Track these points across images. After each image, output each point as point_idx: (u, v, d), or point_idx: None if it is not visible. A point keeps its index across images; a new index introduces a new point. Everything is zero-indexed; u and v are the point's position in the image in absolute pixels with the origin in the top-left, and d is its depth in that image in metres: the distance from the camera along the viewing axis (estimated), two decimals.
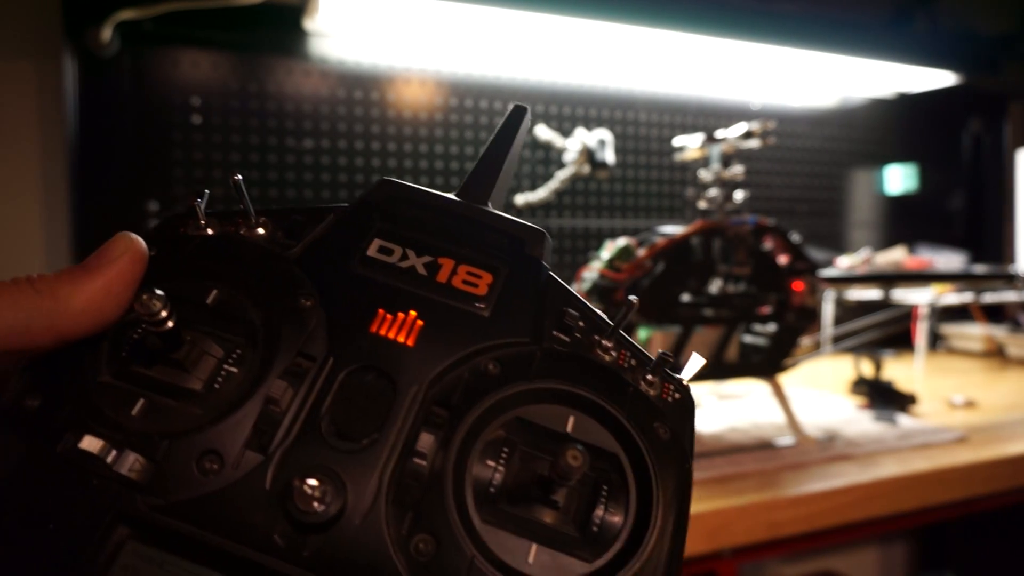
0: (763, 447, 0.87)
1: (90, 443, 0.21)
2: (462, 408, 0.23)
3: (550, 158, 1.34)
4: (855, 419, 1.02)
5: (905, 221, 1.77)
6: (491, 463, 0.23)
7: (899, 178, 1.76)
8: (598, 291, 0.83)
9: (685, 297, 0.85)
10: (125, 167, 1.07)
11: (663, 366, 0.26)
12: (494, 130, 0.31)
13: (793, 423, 0.89)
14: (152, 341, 0.23)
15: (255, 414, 0.22)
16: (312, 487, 0.21)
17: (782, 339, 0.91)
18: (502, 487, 0.23)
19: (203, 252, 0.26)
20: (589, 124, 1.36)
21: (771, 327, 0.91)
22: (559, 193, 1.34)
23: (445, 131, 1.26)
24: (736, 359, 0.91)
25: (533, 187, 1.33)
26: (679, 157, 0.98)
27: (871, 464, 0.84)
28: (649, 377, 0.26)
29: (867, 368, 1.16)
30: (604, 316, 0.27)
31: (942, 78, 1.48)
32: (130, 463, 0.21)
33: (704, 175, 0.90)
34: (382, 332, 0.24)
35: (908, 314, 1.27)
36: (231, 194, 0.26)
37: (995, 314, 1.68)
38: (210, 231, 0.26)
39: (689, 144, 0.95)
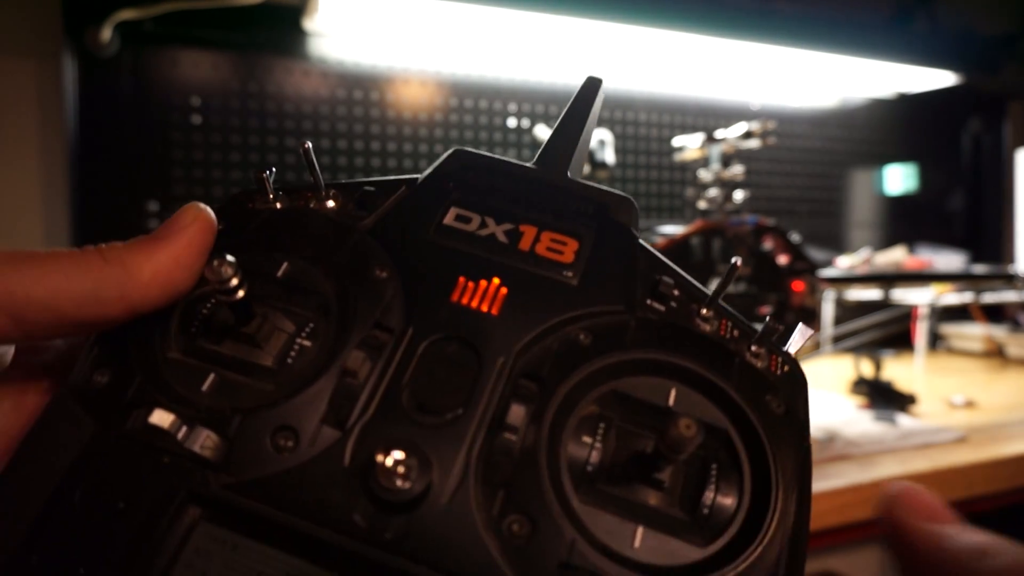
0: None
1: (160, 418, 0.20)
2: (553, 380, 0.22)
3: None
4: (855, 419, 1.02)
5: (905, 221, 1.77)
6: (587, 439, 0.22)
7: (899, 178, 1.76)
8: None
9: None
10: (125, 167, 1.07)
11: (770, 336, 0.24)
12: (567, 103, 0.30)
13: None
14: (223, 314, 0.22)
15: (331, 388, 0.21)
16: (396, 462, 0.19)
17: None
18: (600, 465, 0.21)
19: (273, 225, 0.25)
20: None
21: None
22: None
23: (445, 131, 1.26)
24: None
25: None
26: (679, 157, 0.98)
27: (871, 464, 0.84)
28: (755, 348, 0.24)
29: (867, 368, 1.16)
30: (701, 287, 0.25)
31: (942, 78, 1.48)
32: (202, 440, 0.20)
33: (704, 175, 0.90)
34: (464, 301, 0.23)
35: (908, 314, 1.27)
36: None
37: (995, 314, 1.68)
38: (279, 205, 0.26)
39: (689, 144, 0.95)
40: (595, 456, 0.21)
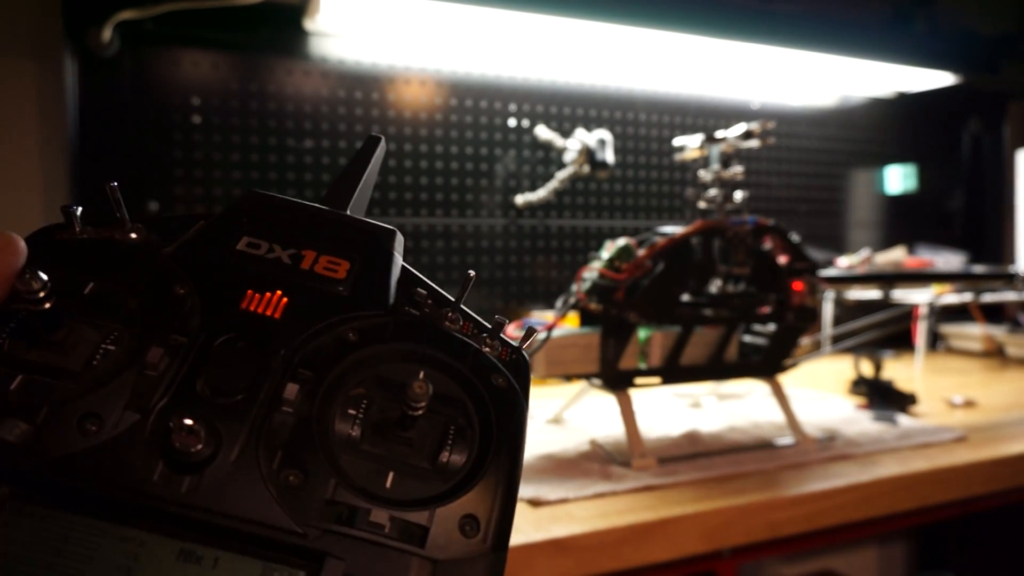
0: (763, 447, 0.87)
1: None
2: (325, 367, 0.27)
3: (550, 158, 1.34)
4: (855, 419, 1.02)
5: (905, 221, 1.77)
6: (352, 411, 0.26)
7: (899, 178, 1.76)
8: (598, 291, 0.83)
9: (685, 297, 0.85)
10: (125, 167, 1.07)
11: (499, 331, 0.30)
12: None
13: (793, 423, 0.89)
14: (31, 323, 0.25)
15: (133, 379, 0.25)
16: (187, 426, 0.23)
17: (782, 339, 0.91)
18: (363, 431, 0.26)
19: (80, 252, 0.28)
20: (589, 124, 1.36)
21: (771, 327, 0.91)
22: (559, 193, 1.34)
23: (445, 131, 1.26)
24: (736, 359, 0.91)
25: (533, 187, 1.33)
26: (679, 157, 0.98)
27: (871, 464, 0.84)
28: (489, 341, 0.29)
29: (867, 368, 1.16)
30: (447, 295, 0.30)
31: (941, 78, 1.48)
32: (8, 428, 0.23)
33: (704, 175, 0.91)
34: (251, 308, 0.27)
35: (908, 314, 1.27)
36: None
37: (995, 314, 1.68)
38: (84, 236, 0.29)
39: (689, 144, 0.95)
40: (358, 425, 0.26)
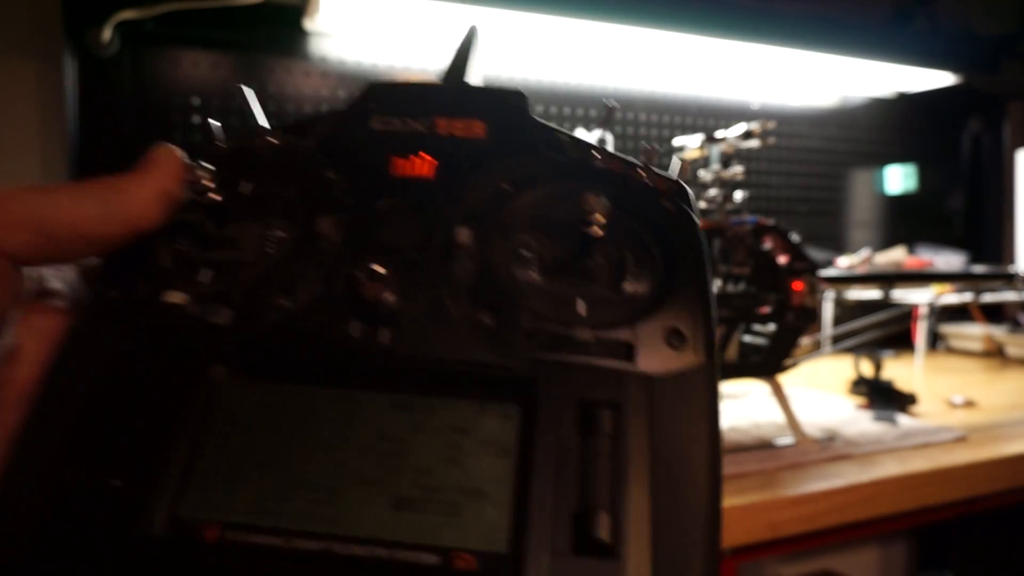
0: (763, 447, 0.87)
1: (175, 296, 0.25)
2: (489, 216, 0.27)
3: None
4: (855, 419, 1.02)
5: (905, 221, 1.77)
6: (526, 253, 0.27)
7: (899, 178, 1.76)
8: None
9: None
10: (125, 167, 1.06)
11: (651, 161, 0.29)
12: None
13: (793, 423, 0.89)
14: (204, 225, 0.27)
15: (310, 253, 0.26)
16: (374, 272, 0.24)
17: (782, 339, 0.91)
18: (540, 270, 0.26)
19: (231, 158, 0.29)
20: (589, 124, 1.36)
21: (771, 327, 0.91)
22: None
23: None
24: (736, 359, 0.91)
25: None
26: (679, 157, 0.98)
27: (871, 464, 0.84)
28: (643, 172, 0.29)
29: (867, 368, 1.16)
30: (588, 140, 0.30)
31: (942, 78, 1.48)
32: (212, 312, 0.25)
33: (704, 175, 0.90)
34: (403, 172, 0.28)
35: (908, 314, 1.27)
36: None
37: (995, 314, 1.68)
38: (227, 146, 0.30)
39: (689, 144, 0.95)
40: (534, 264, 0.26)
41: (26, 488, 0.22)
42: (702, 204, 0.89)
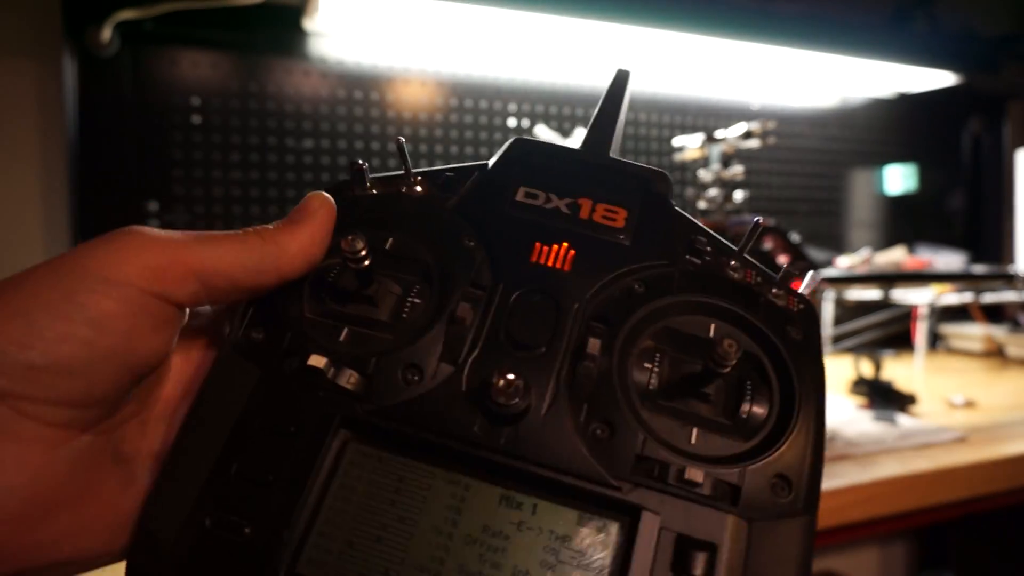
0: None
1: (316, 360, 0.25)
2: (618, 320, 0.27)
3: None
4: (855, 419, 1.02)
5: (905, 221, 1.77)
6: (647, 365, 0.27)
7: (899, 178, 1.76)
8: None
9: None
10: (125, 167, 1.06)
11: (788, 280, 0.29)
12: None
13: None
14: (347, 280, 0.28)
15: (443, 333, 0.26)
16: (508, 382, 0.24)
17: None
18: (659, 385, 0.27)
19: (375, 208, 0.30)
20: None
21: None
22: None
23: (445, 131, 1.26)
24: None
25: None
26: (679, 157, 0.98)
27: (871, 464, 0.83)
28: (775, 291, 0.29)
29: (867, 368, 1.16)
30: (729, 243, 0.30)
31: (942, 78, 1.48)
32: (347, 377, 0.25)
33: (704, 175, 0.90)
34: (541, 261, 0.28)
35: (908, 314, 1.27)
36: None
37: (995, 314, 1.68)
38: (375, 191, 0.30)
39: (689, 144, 0.95)
40: (655, 377, 0.27)
41: (168, 523, 0.24)
42: (702, 204, 0.89)
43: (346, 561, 0.23)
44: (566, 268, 0.28)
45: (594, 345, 0.26)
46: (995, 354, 1.58)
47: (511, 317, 0.27)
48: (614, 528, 0.24)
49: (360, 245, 0.26)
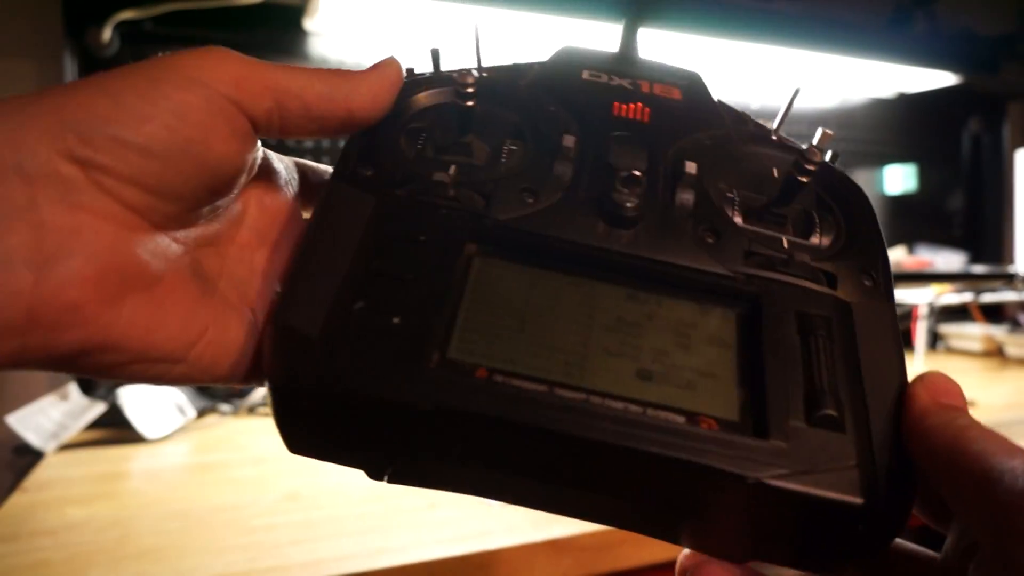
0: None
1: (441, 175, 0.27)
2: (701, 159, 0.30)
3: None
4: None
5: (905, 221, 1.77)
6: (729, 195, 0.30)
7: (899, 178, 1.76)
8: None
9: None
10: None
11: (823, 146, 0.31)
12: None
13: None
14: (445, 127, 0.29)
15: (551, 162, 0.28)
16: (630, 176, 0.27)
17: None
18: (743, 206, 0.30)
19: (448, 83, 0.31)
20: None
21: None
22: None
23: None
24: None
25: None
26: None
27: None
28: (815, 150, 0.31)
29: None
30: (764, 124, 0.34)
31: (941, 78, 1.48)
32: (468, 197, 0.27)
33: None
34: (623, 115, 0.31)
35: (908, 314, 1.27)
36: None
37: (994, 314, 1.68)
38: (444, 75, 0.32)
39: None
40: (737, 206, 0.30)
41: (311, 318, 0.24)
42: None
43: (495, 348, 0.25)
44: (646, 120, 0.31)
45: (693, 167, 0.29)
46: (995, 354, 1.58)
47: (610, 153, 0.29)
48: (732, 313, 0.27)
49: (471, 79, 0.27)
